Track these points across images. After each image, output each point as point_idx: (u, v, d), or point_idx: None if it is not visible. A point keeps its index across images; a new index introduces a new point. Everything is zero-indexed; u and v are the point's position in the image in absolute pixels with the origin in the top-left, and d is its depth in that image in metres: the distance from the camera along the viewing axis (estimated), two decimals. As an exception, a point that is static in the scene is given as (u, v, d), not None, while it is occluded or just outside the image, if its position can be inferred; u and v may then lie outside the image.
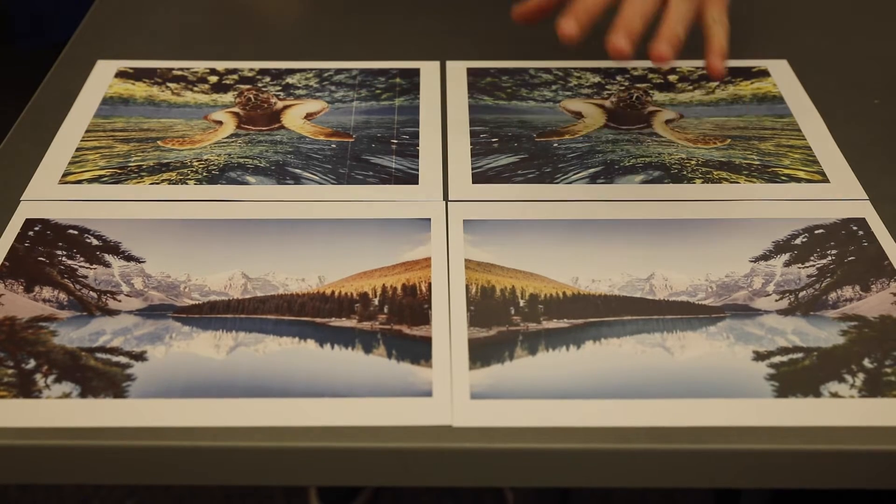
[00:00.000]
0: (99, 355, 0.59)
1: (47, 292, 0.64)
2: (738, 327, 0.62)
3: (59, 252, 0.67)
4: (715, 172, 0.74)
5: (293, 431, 0.55)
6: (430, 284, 0.64)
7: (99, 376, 0.58)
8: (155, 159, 0.76)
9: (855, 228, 0.69)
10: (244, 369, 0.58)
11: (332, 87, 0.85)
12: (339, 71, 0.87)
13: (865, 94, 0.84)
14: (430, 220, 0.69)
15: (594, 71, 0.87)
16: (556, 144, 0.78)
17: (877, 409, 0.56)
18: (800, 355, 0.60)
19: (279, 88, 0.85)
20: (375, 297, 0.64)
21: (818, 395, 0.57)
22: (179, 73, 0.87)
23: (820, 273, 0.66)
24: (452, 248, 0.67)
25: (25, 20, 2.08)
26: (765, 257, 0.67)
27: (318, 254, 0.67)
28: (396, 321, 0.62)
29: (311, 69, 0.87)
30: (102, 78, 0.86)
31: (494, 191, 0.73)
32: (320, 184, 0.73)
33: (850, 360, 0.59)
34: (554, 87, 0.85)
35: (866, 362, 0.59)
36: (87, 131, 0.79)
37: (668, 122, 0.81)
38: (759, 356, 0.59)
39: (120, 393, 0.57)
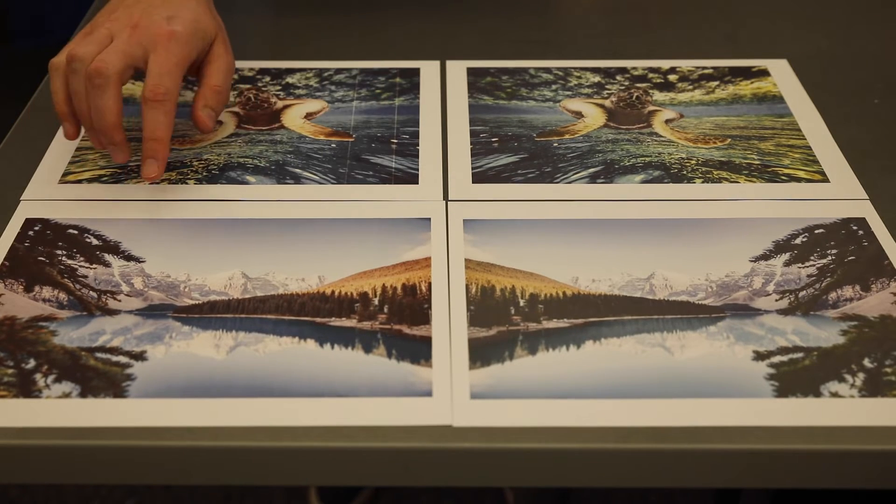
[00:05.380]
0: (99, 355, 0.59)
1: (47, 292, 0.64)
2: (738, 327, 0.62)
3: (59, 252, 0.67)
4: (715, 172, 0.74)
5: (293, 431, 0.55)
6: (430, 284, 0.64)
7: (99, 376, 0.58)
8: (155, 159, 0.76)
9: (855, 228, 0.69)
10: (244, 369, 0.58)
11: (332, 87, 0.85)
12: (339, 71, 0.87)
13: (865, 94, 0.84)
14: (430, 219, 0.69)
15: (594, 71, 0.87)
16: (556, 144, 0.78)
17: (877, 409, 0.56)
18: (800, 355, 0.60)
19: (279, 88, 0.85)
20: (375, 296, 0.64)
21: (818, 394, 0.57)
22: (179, 72, 0.86)
23: (820, 273, 0.66)
24: (452, 248, 0.67)
25: (25, 19, 2.07)
26: (765, 257, 0.67)
27: (318, 254, 0.67)
28: (396, 321, 0.62)
29: (311, 69, 0.87)
30: (102, 78, 0.86)
31: (494, 191, 0.73)
32: (320, 183, 0.73)
33: (850, 360, 0.59)
34: (554, 87, 0.85)
35: (866, 362, 0.59)
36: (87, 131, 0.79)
37: (668, 121, 0.81)
38: (759, 356, 0.59)
39: (120, 393, 0.57)
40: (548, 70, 0.87)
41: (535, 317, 0.62)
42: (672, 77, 0.86)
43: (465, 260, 0.66)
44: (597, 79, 0.86)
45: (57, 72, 0.68)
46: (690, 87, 0.85)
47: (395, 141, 0.78)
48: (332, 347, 0.60)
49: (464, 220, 0.69)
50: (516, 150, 0.77)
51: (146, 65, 0.69)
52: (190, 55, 0.70)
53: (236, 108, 0.82)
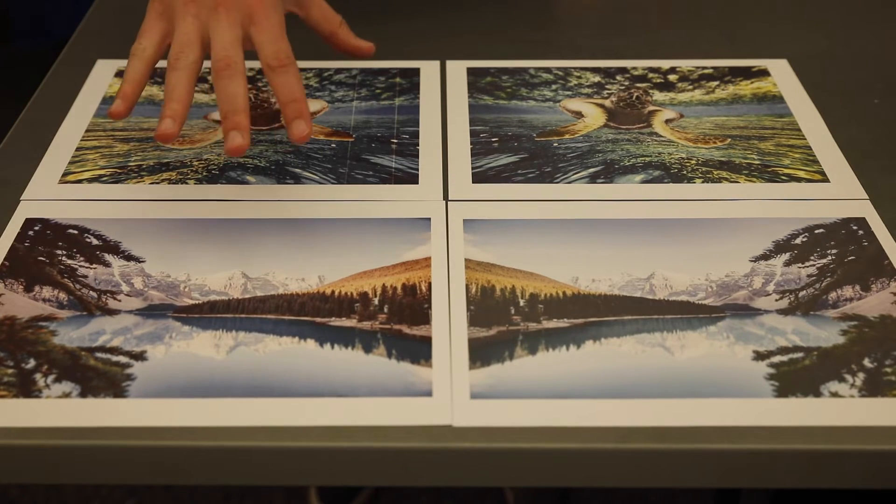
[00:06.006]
0: (99, 355, 0.59)
1: (47, 292, 0.64)
2: (738, 327, 0.62)
3: (59, 252, 0.67)
4: (715, 172, 0.74)
5: (293, 431, 0.55)
6: (430, 284, 0.64)
7: (99, 376, 0.58)
8: (155, 159, 0.76)
9: (855, 228, 0.69)
10: (244, 369, 0.58)
11: (332, 87, 0.85)
12: (339, 70, 0.87)
13: (865, 94, 0.84)
14: (430, 219, 0.69)
15: (594, 70, 0.87)
16: (556, 144, 0.78)
17: (877, 409, 0.56)
18: (800, 355, 0.60)
19: (279, 88, 0.84)
20: (375, 296, 0.64)
21: (818, 394, 0.57)
22: (179, 72, 0.86)
23: (820, 273, 0.66)
24: (452, 248, 0.67)
25: (25, 19, 2.08)
26: (765, 257, 0.67)
27: (318, 254, 0.67)
28: (396, 321, 0.62)
29: (311, 69, 0.87)
30: (102, 77, 0.86)
31: (494, 190, 0.73)
32: (320, 183, 0.73)
33: (850, 360, 0.59)
34: (554, 87, 0.85)
35: (866, 362, 0.59)
36: (86, 131, 0.79)
37: (668, 121, 0.81)
38: (759, 356, 0.59)
39: (120, 393, 0.57)
40: (548, 70, 0.87)
41: (535, 317, 0.62)
42: (672, 77, 0.86)
43: (465, 260, 0.66)
44: (597, 79, 0.86)
45: (141, 62, 0.68)
46: (690, 87, 0.85)
47: (395, 141, 0.78)
48: (332, 347, 0.60)
49: (464, 220, 0.69)
50: (516, 150, 0.77)
51: (250, 38, 0.69)
52: (284, 11, 0.72)
53: (236, 108, 0.82)
